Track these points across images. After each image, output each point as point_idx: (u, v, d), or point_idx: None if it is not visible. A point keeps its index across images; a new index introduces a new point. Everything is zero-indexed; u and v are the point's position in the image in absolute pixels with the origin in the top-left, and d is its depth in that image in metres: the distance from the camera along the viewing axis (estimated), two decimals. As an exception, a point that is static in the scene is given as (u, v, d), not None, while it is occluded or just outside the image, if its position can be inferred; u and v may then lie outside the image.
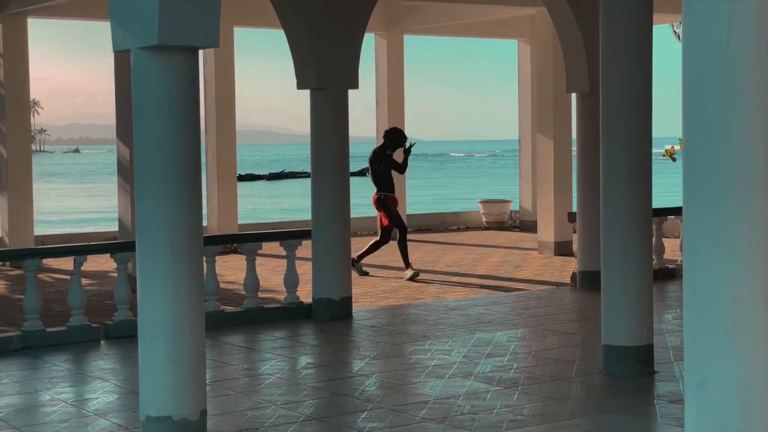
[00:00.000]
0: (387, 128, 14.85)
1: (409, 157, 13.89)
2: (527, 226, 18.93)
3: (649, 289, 7.70)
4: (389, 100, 18.56)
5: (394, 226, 13.69)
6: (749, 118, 3.41)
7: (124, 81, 12.16)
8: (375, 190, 13.64)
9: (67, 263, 10.75)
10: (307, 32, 10.11)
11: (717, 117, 3.44)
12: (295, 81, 10.37)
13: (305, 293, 10.71)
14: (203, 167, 14.91)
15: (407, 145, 13.69)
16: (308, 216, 10.66)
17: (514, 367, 7.96)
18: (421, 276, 13.29)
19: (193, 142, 6.01)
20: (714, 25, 3.40)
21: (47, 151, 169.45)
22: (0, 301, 11.83)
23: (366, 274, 13.62)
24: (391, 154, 13.60)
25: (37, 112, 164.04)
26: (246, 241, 10.65)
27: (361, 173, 67.25)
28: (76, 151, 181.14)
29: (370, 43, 18.01)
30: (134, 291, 6.87)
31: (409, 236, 18.26)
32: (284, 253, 10.56)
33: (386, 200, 13.58)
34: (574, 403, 6.88)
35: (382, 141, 13.87)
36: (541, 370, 7.81)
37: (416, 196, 37.78)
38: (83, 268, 9.42)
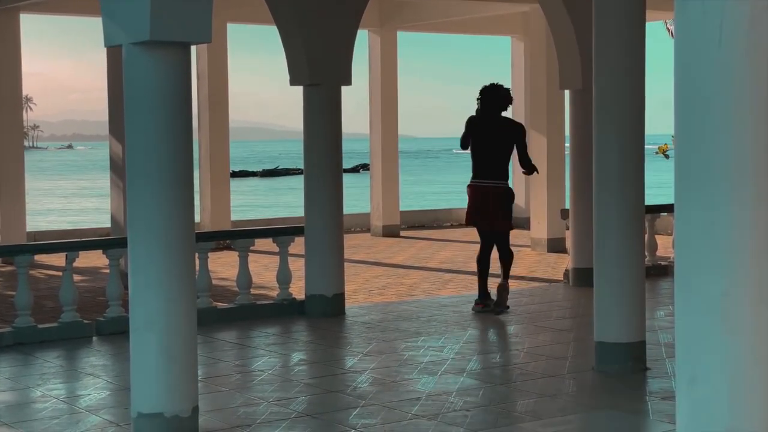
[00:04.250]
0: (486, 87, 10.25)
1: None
2: (520, 222, 18.92)
3: (642, 286, 7.70)
4: (382, 96, 18.55)
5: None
6: (741, 115, 3.41)
7: (116, 77, 12.14)
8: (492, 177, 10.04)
9: (59, 259, 10.74)
10: (299, 28, 10.10)
11: (709, 114, 3.44)
12: (288, 77, 10.36)
13: (298, 290, 10.70)
14: (196, 163, 14.90)
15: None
16: (301, 212, 10.65)
17: (507, 364, 7.95)
18: (415, 274, 13.26)
19: (186, 138, 6.00)
20: (706, 21, 3.40)
21: (40, 147, 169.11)
22: (-8, 298, 11.81)
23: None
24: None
25: (30, 108, 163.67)
26: (238, 237, 10.64)
27: (355, 170, 67.28)
28: (69, 147, 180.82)
29: (363, 40, 18.01)
30: (126, 287, 6.86)
31: (403, 233, 18.37)
32: (277, 249, 10.55)
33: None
34: (567, 399, 6.89)
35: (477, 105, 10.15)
36: (533, 367, 7.81)
37: (409, 192, 37.82)
38: (75, 264, 9.40)
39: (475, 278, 10.62)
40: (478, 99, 10.12)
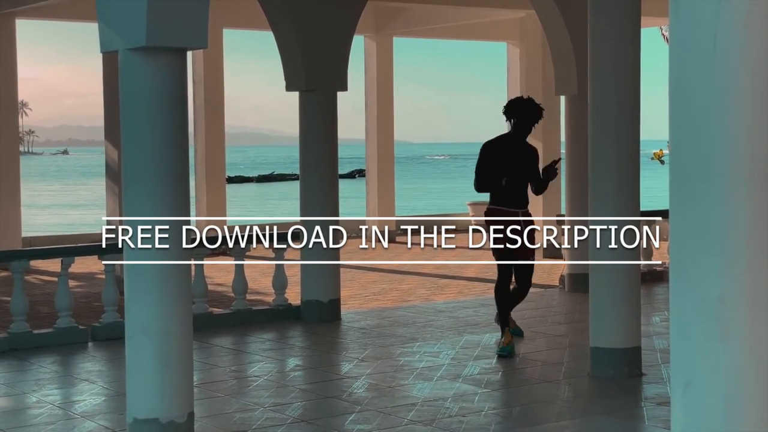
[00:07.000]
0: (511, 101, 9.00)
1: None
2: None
3: (637, 292, 7.71)
4: (378, 101, 18.57)
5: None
6: (735, 120, 3.41)
7: (112, 82, 12.15)
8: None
9: (54, 265, 10.72)
10: (296, 34, 10.11)
11: (704, 119, 3.45)
12: (284, 83, 10.37)
13: (294, 295, 10.69)
14: (192, 169, 14.91)
15: (554, 162, 8.71)
16: (297, 218, 10.65)
17: (502, 370, 7.96)
18: (409, 279, 13.25)
19: (181, 143, 5.99)
20: (700, 26, 3.41)
21: (36, 153, 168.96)
22: (-13, 303, 11.79)
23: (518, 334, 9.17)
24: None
25: (26, 114, 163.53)
26: (235, 242, 10.61)
27: (350, 175, 67.23)
28: (65, 152, 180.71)
29: (359, 45, 18.04)
30: (122, 293, 6.86)
31: (398, 238, 18.34)
32: (273, 255, 10.55)
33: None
34: (562, 405, 6.89)
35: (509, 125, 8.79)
36: (529, 372, 7.82)
37: (405, 198, 37.86)
38: (71, 269, 9.39)
39: (470, 283, 10.58)
40: (510, 116, 8.66)
